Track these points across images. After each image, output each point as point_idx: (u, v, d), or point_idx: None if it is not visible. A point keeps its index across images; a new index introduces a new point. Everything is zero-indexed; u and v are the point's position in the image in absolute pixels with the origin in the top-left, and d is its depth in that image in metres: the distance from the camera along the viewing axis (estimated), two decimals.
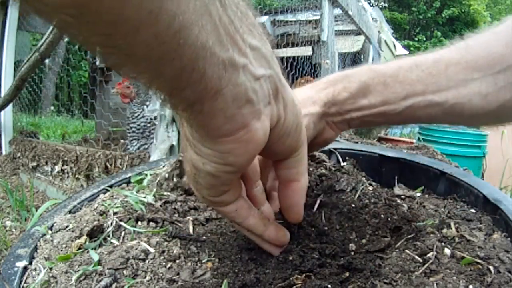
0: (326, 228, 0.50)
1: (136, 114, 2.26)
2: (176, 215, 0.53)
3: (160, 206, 0.54)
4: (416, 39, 16.92)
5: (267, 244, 0.44)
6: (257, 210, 0.41)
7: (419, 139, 2.49)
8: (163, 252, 0.45)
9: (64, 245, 0.48)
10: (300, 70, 3.08)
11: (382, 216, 0.51)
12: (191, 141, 0.32)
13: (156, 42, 0.23)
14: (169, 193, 0.58)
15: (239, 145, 0.31)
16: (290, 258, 0.44)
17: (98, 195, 0.62)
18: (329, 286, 0.38)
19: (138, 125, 2.24)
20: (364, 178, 0.63)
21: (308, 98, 0.50)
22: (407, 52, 11.34)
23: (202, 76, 0.26)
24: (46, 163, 2.47)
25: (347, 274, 0.41)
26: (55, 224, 0.53)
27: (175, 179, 0.60)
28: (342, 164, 0.72)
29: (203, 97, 0.27)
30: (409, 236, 0.46)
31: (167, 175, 0.60)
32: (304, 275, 0.40)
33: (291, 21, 3.81)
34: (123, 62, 0.25)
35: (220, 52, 0.26)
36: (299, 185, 0.39)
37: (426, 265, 0.39)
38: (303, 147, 0.38)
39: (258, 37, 0.30)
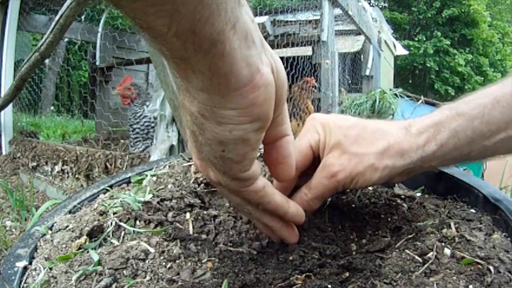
0: (327, 228, 0.50)
1: (138, 114, 2.25)
2: (174, 213, 0.53)
3: (157, 203, 0.54)
4: (416, 39, 16.91)
5: (285, 230, 0.46)
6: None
7: None
8: (163, 252, 0.45)
9: (64, 245, 0.48)
10: (300, 70, 3.08)
11: (382, 216, 0.51)
12: (211, 112, 0.31)
13: None
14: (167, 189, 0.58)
15: (259, 92, 0.31)
16: (290, 258, 0.44)
17: (98, 195, 0.62)
18: (329, 286, 0.38)
19: (142, 125, 2.23)
20: None
21: (397, 147, 0.46)
22: (407, 52, 11.32)
23: (220, 5, 0.26)
24: (46, 163, 2.47)
25: (347, 274, 0.41)
26: (55, 224, 0.53)
27: None
28: None
29: (224, 32, 0.27)
30: (409, 236, 0.46)
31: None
32: (304, 275, 0.40)
33: (291, 21, 3.81)
34: None
35: None
36: (290, 138, 0.41)
37: (426, 265, 0.39)
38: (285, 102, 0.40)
39: None
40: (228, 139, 0.32)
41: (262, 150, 0.42)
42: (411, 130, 0.47)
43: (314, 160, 0.49)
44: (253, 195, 0.39)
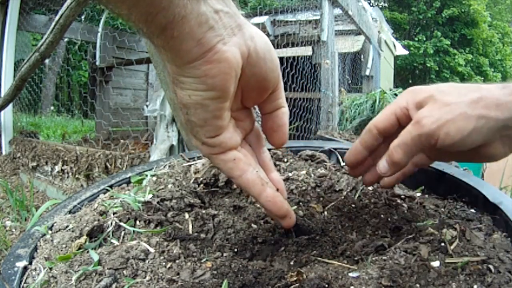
0: (326, 227, 0.50)
1: None
2: (174, 213, 0.53)
3: (157, 203, 0.54)
4: (416, 39, 16.90)
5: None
6: (256, 170, 0.44)
7: None
8: (163, 252, 0.45)
9: (64, 245, 0.48)
10: (300, 70, 3.08)
11: (382, 216, 0.51)
12: (175, 78, 0.38)
13: None
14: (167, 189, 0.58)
15: (211, 65, 0.36)
16: (284, 255, 0.44)
17: (98, 195, 0.62)
18: (326, 285, 0.38)
19: None
20: None
21: (492, 98, 0.44)
22: (407, 52, 11.31)
23: (170, 2, 0.33)
24: (46, 163, 2.47)
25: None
26: (55, 224, 0.53)
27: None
28: (342, 164, 0.72)
29: (173, 21, 0.33)
30: (409, 236, 0.46)
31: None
32: (296, 271, 0.40)
33: (291, 21, 3.81)
34: None
35: None
36: (285, 110, 0.46)
37: (427, 265, 0.39)
38: (281, 79, 0.44)
39: None
40: (189, 103, 0.38)
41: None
42: (506, 89, 0.45)
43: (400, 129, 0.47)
44: (222, 164, 0.43)
